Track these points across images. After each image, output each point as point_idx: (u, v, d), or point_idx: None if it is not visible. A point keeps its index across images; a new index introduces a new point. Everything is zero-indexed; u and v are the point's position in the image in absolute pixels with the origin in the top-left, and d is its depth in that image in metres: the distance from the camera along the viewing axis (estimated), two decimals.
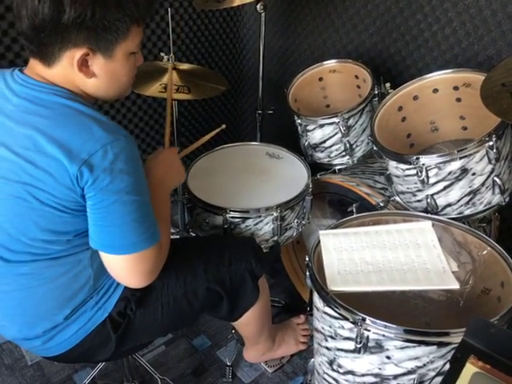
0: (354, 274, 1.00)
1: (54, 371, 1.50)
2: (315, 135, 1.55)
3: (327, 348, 0.99)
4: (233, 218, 1.29)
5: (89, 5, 0.81)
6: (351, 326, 0.90)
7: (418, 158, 1.16)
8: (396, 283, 0.97)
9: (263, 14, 1.68)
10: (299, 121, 1.56)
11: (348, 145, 1.52)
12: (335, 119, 1.47)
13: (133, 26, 0.89)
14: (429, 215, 1.17)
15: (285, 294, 1.74)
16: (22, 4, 0.83)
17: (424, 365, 0.87)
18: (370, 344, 0.89)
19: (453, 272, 0.98)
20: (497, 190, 1.18)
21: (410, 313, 1.09)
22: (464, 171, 1.14)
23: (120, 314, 1.03)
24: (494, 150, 1.10)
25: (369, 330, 0.88)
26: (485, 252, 1.07)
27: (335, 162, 1.59)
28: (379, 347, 0.89)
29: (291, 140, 1.69)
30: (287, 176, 1.44)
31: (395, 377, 0.91)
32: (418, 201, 1.25)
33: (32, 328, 1.00)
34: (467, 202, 1.20)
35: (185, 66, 1.68)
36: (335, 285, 0.96)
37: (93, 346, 1.03)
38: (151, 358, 1.54)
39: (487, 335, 0.57)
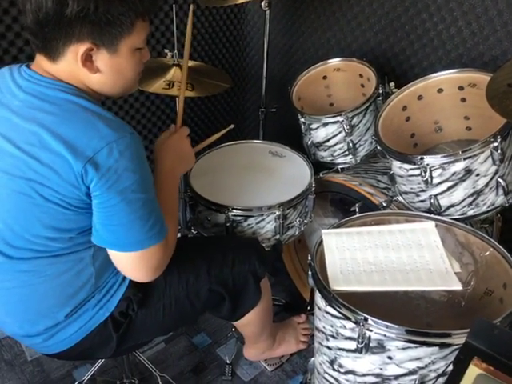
0: (356, 274, 0.99)
1: (54, 367, 1.51)
2: (319, 134, 1.55)
3: (328, 347, 0.99)
4: (235, 216, 1.28)
5: None
6: (353, 325, 0.89)
7: (422, 158, 1.15)
8: (398, 283, 0.96)
9: (268, 12, 1.67)
10: (303, 119, 1.55)
11: (351, 144, 1.51)
12: (339, 118, 1.46)
13: (137, 21, 0.88)
14: (432, 215, 1.17)
15: (285, 293, 1.73)
16: None
17: (425, 366, 0.87)
18: (371, 344, 0.89)
19: (455, 273, 0.98)
20: (500, 191, 1.17)
21: (411, 313, 1.09)
22: (468, 172, 1.13)
23: (122, 313, 1.03)
24: (499, 151, 1.09)
25: (371, 330, 0.87)
26: (487, 253, 1.06)
27: (338, 160, 1.59)
28: (381, 347, 0.88)
29: (294, 138, 1.68)
30: (290, 174, 1.44)
31: (396, 377, 0.90)
32: (422, 201, 1.25)
33: (33, 325, 1.00)
34: (470, 203, 1.19)
35: (189, 63, 1.67)
36: (337, 284, 0.96)
37: (94, 345, 1.03)
38: (151, 355, 1.54)
39: (491, 337, 0.57)
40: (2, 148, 0.87)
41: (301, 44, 2.08)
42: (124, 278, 1.02)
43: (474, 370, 0.57)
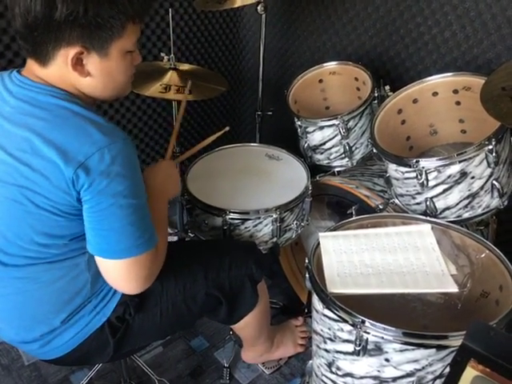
0: (353, 277, 1.00)
1: (51, 372, 1.50)
2: (315, 137, 1.55)
3: (326, 350, 0.99)
4: (232, 219, 1.29)
5: (81, 1, 0.80)
6: (350, 328, 0.90)
7: (417, 161, 1.16)
8: (395, 286, 0.97)
9: (264, 16, 1.68)
10: (299, 122, 1.56)
11: (347, 147, 1.52)
12: (335, 121, 1.47)
13: (128, 24, 0.87)
14: (428, 218, 1.17)
15: (283, 296, 1.74)
16: (14, 2, 0.82)
17: (423, 368, 0.87)
18: (369, 346, 0.89)
19: (451, 275, 0.99)
20: (495, 194, 1.18)
21: (408, 315, 1.09)
22: (463, 175, 1.14)
23: (119, 318, 1.02)
24: (494, 154, 1.10)
25: (368, 333, 0.88)
26: (483, 255, 1.07)
27: (334, 163, 1.59)
28: (378, 350, 0.89)
29: (290, 141, 1.69)
30: (287, 177, 1.44)
31: (394, 379, 0.91)
32: (417, 203, 1.26)
33: (29, 331, 0.99)
34: (466, 206, 1.20)
35: (185, 67, 1.68)
36: (335, 287, 0.96)
37: (91, 350, 1.03)
38: (149, 358, 1.54)
39: (487, 339, 0.58)
40: None
41: (296, 47, 2.09)
42: None
43: (470, 372, 0.58)
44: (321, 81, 1.72)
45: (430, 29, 1.61)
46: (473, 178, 1.15)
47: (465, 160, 1.12)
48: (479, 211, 1.21)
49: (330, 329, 0.95)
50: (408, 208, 1.31)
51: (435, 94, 1.39)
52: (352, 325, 0.89)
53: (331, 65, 1.69)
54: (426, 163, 1.16)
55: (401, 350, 0.87)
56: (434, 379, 0.88)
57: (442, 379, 0.86)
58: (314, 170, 1.55)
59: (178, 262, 1.08)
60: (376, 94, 1.49)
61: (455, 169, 1.14)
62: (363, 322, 0.87)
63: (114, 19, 0.84)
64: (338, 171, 1.60)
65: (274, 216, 1.29)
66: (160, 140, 2.24)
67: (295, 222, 1.38)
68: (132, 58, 0.95)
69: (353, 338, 0.90)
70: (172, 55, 1.62)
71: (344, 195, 1.44)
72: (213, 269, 1.13)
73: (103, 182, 0.83)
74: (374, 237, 1.11)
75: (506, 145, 1.16)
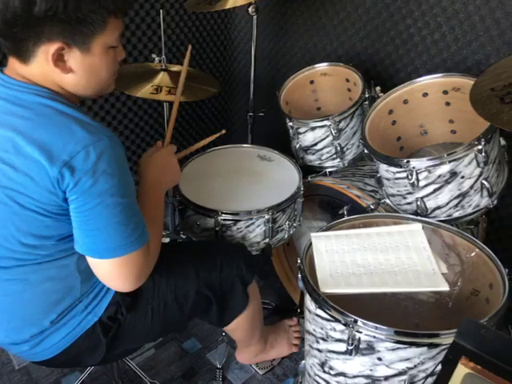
0: (345, 276, 1.00)
1: (42, 375, 1.48)
2: (306, 138, 1.56)
3: (319, 350, 0.99)
4: (224, 220, 1.29)
5: None
6: (343, 327, 0.90)
7: (408, 162, 1.17)
8: (387, 285, 0.98)
9: (255, 17, 1.68)
10: (291, 123, 1.57)
11: (339, 147, 1.53)
12: (326, 122, 1.48)
13: (109, 18, 0.85)
14: (418, 218, 1.18)
15: (275, 297, 1.74)
16: None
17: (415, 366, 0.88)
18: (361, 346, 0.89)
19: (442, 274, 0.99)
20: (485, 193, 1.20)
21: (400, 314, 1.10)
22: (453, 174, 1.15)
23: (110, 318, 1.02)
24: (483, 154, 1.11)
25: (360, 332, 0.88)
26: (473, 254, 1.08)
27: (326, 164, 1.60)
28: (370, 349, 0.89)
29: (282, 142, 1.69)
30: (279, 178, 1.45)
31: (386, 378, 0.91)
32: (408, 203, 1.27)
33: (19, 333, 0.99)
34: (456, 205, 1.21)
35: (176, 68, 1.67)
36: (327, 287, 0.97)
37: (82, 351, 1.02)
38: (141, 361, 1.53)
39: (478, 336, 0.58)
40: None
41: (288, 49, 2.10)
42: None
43: (462, 370, 0.58)
44: (312, 82, 1.73)
45: (419, 30, 1.62)
46: (463, 177, 1.16)
47: (455, 160, 1.13)
48: (469, 210, 1.22)
49: (322, 328, 0.96)
50: (399, 208, 1.32)
51: (425, 94, 1.40)
52: (344, 324, 0.89)
53: (322, 66, 1.70)
54: (416, 163, 1.16)
55: (393, 349, 0.87)
56: (426, 377, 0.89)
57: (434, 377, 0.87)
58: (306, 170, 1.55)
59: (170, 262, 1.08)
60: (367, 95, 1.50)
61: (445, 169, 1.15)
62: (355, 321, 0.88)
63: (95, 14, 0.83)
64: (329, 172, 1.60)
65: (266, 217, 1.29)
66: (151, 141, 2.23)
67: (287, 223, 1.38)
68: (115, 53, 0.93)
69: (345, 337, 0.90)
70: (163, 56, 1.62)
71: (336, 195, 1.45)
72: (204, 268, 1.13)
73: (89, 180, 0.82)
74: (366, 237, 1.12)
75: (495, 145, 1.18)
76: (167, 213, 1.99)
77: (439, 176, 1.16)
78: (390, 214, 1.27)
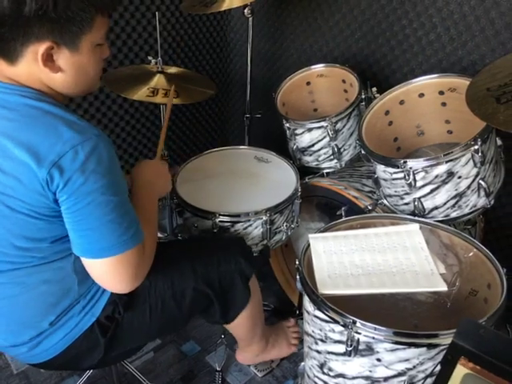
0: (343, 277, 1.00)
1: (41, 379, 1.48)
2: (303, 139, 1.56)
3: (318, 351, 0.99)
4: (222, 222, 1.29)
5: None
6: (341, 328, 0.90)
7: (405, 162, 1.17)
8: (385, 286, 0.98)
9: (251, 19, 1.69)
10: (287, 125, 1.57)
11: (336, 148, 1.53)
12: (323, 123, 1.48)
13: (97, 16, 0.86)
14: (416, 218, 1.19)
15: (274, 298, 1.74)
16: None
17: (414, 367, 0.88)
18: (360, 347, 0.89)
19: (440, 274, 1.00)
20: (482, 193, 1.20)
21: (398, 315, 1.10)
22: (450, 174, 1.16)
23: (108, 318, 1.01)
24: (480, 154, 1.12)
25: (359, 333, 0.88)
26: (471, 254, 1.09)
27: (323, 165, 1.60)
28: (369, 350, 0.89)
29: (279, 144, 1.69)
30: (276, 180, 1.45)
31: (386, 379, 0.91)
32: (406, 204, 1.27)
33: (17, 336, 0.98)
34: (453, 205, 1.21)
35: (172, 70, 1.67)
36: (325, 288, 0.97)
37: (81, 352, 1.02)
38: (139, 364, 1.53)
39: (477, 336, 0.58)
40: None
41: (284, 50, 2.10)
42: None
43: (461, 370, 0.58)
44: (308, 83, 1.73)
45: (415, 31, 1.62)
46: (459, 177, 1.16)
47: (451, 160, 1.14)
48: (466, 210, 1.23)
49: (321, 330, 0.96)
50: (396, 208, 1.32)
51: (421, 95, 1.40)
52: (343, 325, 0.89)
53: (318, 67, 1.70)
54: (413, 164, 1.17)
55: (392, 350, 0.87)
56: (425, 378, 0.89)
57: (433, 378, 0.87)
58: (303, 171, 1.55)
59: (166, 259, 1.07)
60: (363, 96, 1.50)
61: (442, 169, 1.15)
62: (354, 322, 0.88)
63: (84, 12, 0.83)
64: (326, 173, 1.60)
65: (264, 218, 1.29)
66: (148, 144, 2.23)
67: (285, 224, 1.38)
68: (101, 51, 0.93)
69: (344, 338, 0.90)
70: (159, 59, 1.62)
71: (333, 196, 1.45)
72: (201, 263, 1.12)
73: (79, 179, 0.81)
74: (364, 237, 1.12)
75: (492, 145, 1.18)
76: (165, 215, 1.99)
77: (436, 176, 1.17)
78: (387, 214, 1.27)
